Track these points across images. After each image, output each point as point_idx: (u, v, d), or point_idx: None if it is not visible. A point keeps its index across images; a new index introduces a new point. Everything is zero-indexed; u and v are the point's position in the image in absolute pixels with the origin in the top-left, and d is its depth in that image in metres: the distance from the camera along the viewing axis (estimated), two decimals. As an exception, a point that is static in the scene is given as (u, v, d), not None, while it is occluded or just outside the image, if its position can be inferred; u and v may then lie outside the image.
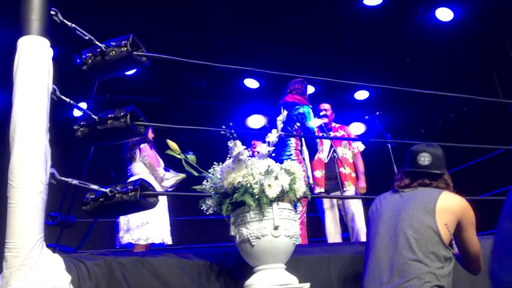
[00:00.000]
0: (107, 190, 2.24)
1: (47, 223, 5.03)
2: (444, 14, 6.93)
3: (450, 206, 2.05)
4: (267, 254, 1.83)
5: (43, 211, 1.86)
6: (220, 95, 7.90)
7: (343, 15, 6.91)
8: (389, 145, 4.07)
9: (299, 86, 4.43)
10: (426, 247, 1.96)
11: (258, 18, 6.74)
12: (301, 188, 1.90)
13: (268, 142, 2.01)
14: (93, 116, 2.42)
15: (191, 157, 1.97)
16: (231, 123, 1.84)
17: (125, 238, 3.67)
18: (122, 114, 2.41)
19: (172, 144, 2.00)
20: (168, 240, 3.80)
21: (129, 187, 2.26)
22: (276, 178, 1.83)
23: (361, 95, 8.49)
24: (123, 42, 2.49)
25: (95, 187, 2.23)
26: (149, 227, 3.65)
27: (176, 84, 7.63)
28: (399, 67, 7.83)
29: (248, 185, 1.82)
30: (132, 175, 3.85)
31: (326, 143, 4.45)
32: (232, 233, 1.92)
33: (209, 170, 1.97)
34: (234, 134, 1.79)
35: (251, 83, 7.76)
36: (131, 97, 7.62)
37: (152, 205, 2.32)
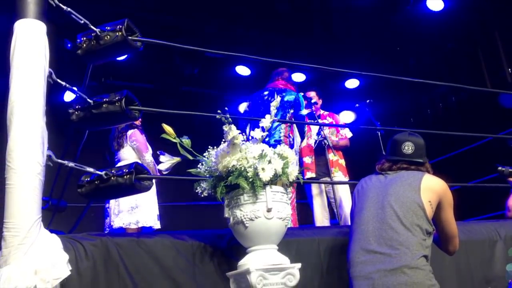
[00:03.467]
0: (103, 173, 2.28)
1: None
2: (435, 4, 6.98)
3: (433, 186, 2.18)
4: (260, 235, 1.89)
5: (41, 192, 1.90)
6: (211, 82, 7.91)
7: (334, 4, 6.93)
8: (379, 133, 4.14)
9: (287, 74, 4.47)
10: (412, 219, 2.08)
11: (249, 5, 6.74)
12: (293, 172, 1.96)
13: (262, 127, 2.06)
14: (88, 100, 2.44)
15: (186, 141, 2.01)
16: (226, 108, 1.88)
17: (116, 222, 3.71)
18: (117, 98, 2.44)
19: (167, 128, 2.04)
20: (156, 225, 3.83)
21: (124, 170, 2.30)
22: (269, 162, 1.88)
23: (352, 83, 8.54)
24: (118, 27, 2.51)
25: (90, 169, 2.26)
26: (139, 211, 3.70)
27: (167, 71, 7.62)
28: (389, 56, 7.89)
29: (242, 168, 1.87)
30: (119, 160, 3.88)
31: (314, 129, 4.50)
32: (226, 215, 1.97)
33: (204, 154, 2.01)
34: (229, 119, 1.83)
35: (243, 70, 7.77)
36: (122, 83, 7.60)
37: (147, 188, 2.36)
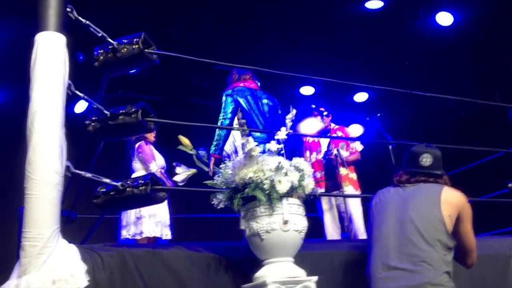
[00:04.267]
0: (118, 184, 2.30)
1: None
2: (444, 19, 7.00)
3: (452, 199, 2.16)
4: (277, 247, 1.89)
5: (59, 202, 1.92)
6: (220, 94, 7.93)
7: (343, 18, 6.96)
8: (390, 146, 4.14)
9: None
10: (433, 234, 2.06)
11: (255, 17, 6.77)
12: (309, 185, 1.97)
13: (278, 140, 2.07)
14: (105, 111, 2.47)
15: (203, 153, 2.03)
16: (244, 120, 1.90)
17: (123, 234, 3.76)
18: (133, 110, 2.47)
19: (183, 139, 2.06)
20: (168, 235, 3.85)
21: (140, 181, 2.31)
22: (286, 174, 1.89)
23: (360, 97, 8.55)
24: (134, 40, 2.55)
25: (107, 180, 2.28)
26: (143, 222, 3.73)
27: (176, 82, 7.67)
28: (398, 70, 7.90)
29: (259, 180, 1.88)
30: (133, 171, 3.97)
31: (324, 144, 4.50)
32: (242, 227, 1.98)
33: (221, 166, 2.03)
34: (247, 131, 1.85)
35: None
36: (132, 95, 7.68)
37: (162, 200, 2.38)
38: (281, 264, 1.90)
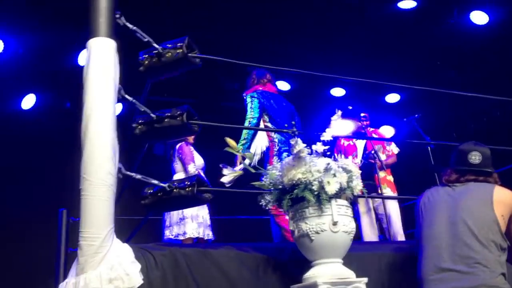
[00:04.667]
0: (166, 185, 2.35)
1: None
2: (479, 18, 6.89)
3: (505, 199, 2.13)
4: (326, 248, 1.91)
5: (113, 203, 1.97)
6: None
7: (377, 18, 6.91)
8: (429, 147, 4.10)
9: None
10: (487, 235, 2.04)
11: (287, 19, 6.78)
12: (358, 186, 1.97)
13: (323, 141, 2.08)
14: (151, 114, 2.53)
15: (249, 155, 2.06)
16: (293, 122, 1.92)
17: (166, 234, 3.84)
18: (178, 113, 2.52)
19: (230, 141, 2.10)
20: (209, 236, 3.92)
21: (186, 182, 2.36)
22: (334, 175, 1.91)
23: (392, 98, 8.48)
24: (178, 44, 2.60)
25: (155, 182, 2.33)
26: (186, 222, 3.80)
27: (208, 86, 7.73)
28: (431, 70, 7.81)
29: (308, 181, 1.90)
30: (174, 172, 4.05)
31: (360, 147, 4.47)
32: (291, 228, 2.00)
33: (268, 167, 2.05)
34: (296, 132, 1.87)
35: (283, 86, 7.83)
36: (164, 98, 7.79)
37: (207, 200, 2.42)
38: (330, 265, 1.92)
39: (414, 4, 6.71)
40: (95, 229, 1.87)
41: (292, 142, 1.93)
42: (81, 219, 1.91)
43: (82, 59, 6.70)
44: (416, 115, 4.43)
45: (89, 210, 1.90)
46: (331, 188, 1.88)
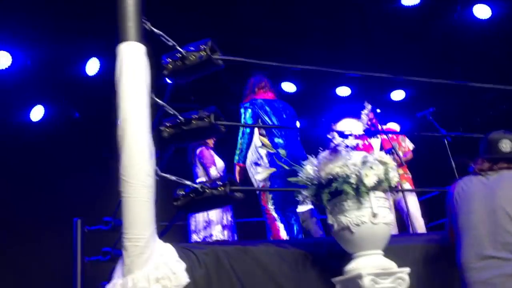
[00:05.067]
0: (198, 185, 2.37)
1: (101, 228, 5.22)
2: (482, 11, 6.93)
3: None
4: (367, 240, 1.93)
5: (153, 203, 1.99)
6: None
7: (380, 15, 6.96)
8: (446, 140, 4.12)
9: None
10: None
11: (292, 20, 6.81)
12: (395, 178, 2.00)
13: (355, 135, 2.11)
14: (179, 117, 2.55)
15: (282, 152, 2.08)
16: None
17: (194, 238, 3.86)
18: (206, 114, 2.55)
19: (264, 140, 2.12)
20: (230, 238, 3.94)
21: (218, 182, 2.39)
22: (371, 168, 1.93)
23: (397, 95, 8.50)
24: (201, 47, 2.63)
25: (188, 182, 2.36)
26: (212, 226, 3.82)
27: (215, 89, 7.75)
28: (434, 65, 7.84)
29: (345, 175, 1.92)
30: (197, 177, 4.07)
31: (376, 146, 4.48)
32: (330, 222, 2.02)
33: (303, 163, 2.08)
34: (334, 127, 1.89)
35: (289, 87, 7.87)
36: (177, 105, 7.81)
37: (239, 200, 2.45)
38: (372, 257, 1.94)
39: (417, 0, 6.76)
40: (138, 230, 1.89)
41: (330, 136, 1.95)
42: (124, 220, 1.93)
43: (89, 68, 6.75)
44: (430, 109, 4.45)
45: (131, 212, 1.92)
46: (370, 181, 1.91)
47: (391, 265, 1.94)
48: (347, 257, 2.06)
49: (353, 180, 1.92)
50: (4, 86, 6.52)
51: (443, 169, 4.37)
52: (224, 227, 3.87)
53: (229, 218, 3.98)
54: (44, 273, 6.33)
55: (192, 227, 3.93)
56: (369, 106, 2.08)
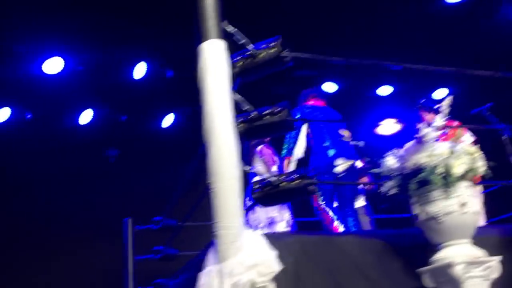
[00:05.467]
0: (274, 179, 2.42)
1: (152, 227, 5.32)
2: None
3: None
4: (455, 229, 1.95)
5: (241, 194, 2.05)
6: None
7: (425, 13, 6.91)
8: (505, 136, 4.06)
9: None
10: None
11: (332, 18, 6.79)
12: (481, 167, 2.01)
13: (435, 127, 2.13)
14: (252, 112, 2.61)
15: (331, 152, 2.12)
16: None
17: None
18: (278, 109, 2.59)
19: (345, 132, 2.16)
20: None
21: (294, 176, 2.43)
22: (459, 157, 1.95)
23: (440, 93, 8.39)
24: (272, 44, 2.68)
25: (264, 176, 2.41)
26: (276, 223, 3.88)
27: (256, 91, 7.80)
28: (478, 64, 7.71)
29: (433, 165, 1.94)
30: (255, 175, 4.10)
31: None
32: (416, 212, 2.04)
33: (387, 154, 2.11)
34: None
35: (330, 87, 7.88)
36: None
37: (313, 192, 2.49)
38: (462, 246, 1.96)
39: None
40: (230, 218, 1.95)
41: (419, 127, 1.98)
42: (215, 210, 1.99)
43: (137, 73, 6.92)
44: (489, 104, 4.38)
45: (222, 201, 1.98)
46: (458, 170, 1.93)
47: (480, 253, 1.95)
48: (430, 248, 2.07)
49: (440, 170, 1.93)
50: (55, 91, 6.75)
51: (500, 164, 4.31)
52: (287, 223, 3.92)
53: (289, 216, 4.03)
54: (94, 273, 6.49)
55: (253, 223, 3.98)
56: (450, 97, 2.09)
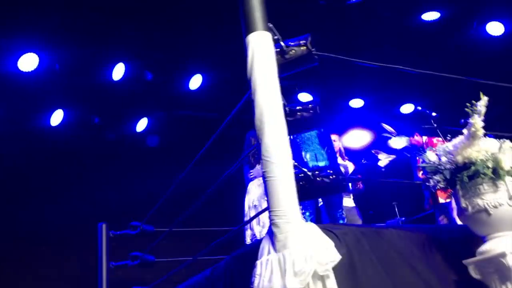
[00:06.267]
0: (310, 173, 2.42)
1: (129, 233, 5.18)
2: (495, 28, 7.20)
3: None
4: (504, 222, 2.03)
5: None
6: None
7: (403, 29, 7.15)
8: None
9: None
10: None
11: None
12: (523, 164, 2.11)
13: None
14: (285, 108, 2.61)
15: (403, 140, 2.17)
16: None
17: (263, 232, 3.86)
18: (311, 106, 2.62)
19: (388, 127, 2.21)
20: None
21: (329, 171, 2.45)
22: (506, 153, 2.04)
23: (407, 109, 8.66)
24: (302, 42, 2.70)
25: (304, 169, 2.41)
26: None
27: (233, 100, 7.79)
28: (450, 81, 8.04)
29: (484, 159, 2.02)
30: (255, 177, 4.06)
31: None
32: (463, 205, 2.10)
33: (438, 147, 2.17)
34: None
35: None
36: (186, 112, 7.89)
37: (345, 189, 2.52)
38: (508, 238, 2.03)
39: (437, 16, 7.00)
40: (286, 207, 1.94)
41: (472, 120, 2.05)
42: (270, 199, 1.98)
43: (116, 75, 6.75)
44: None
45: (278, 190, 1.97)
46: (506, 165, 2.01)
47: (527, 245, 2.04)
48: (469, 241, 2.14)
49: (490, 164, 2.01)
50: (29, 88, 6.48)
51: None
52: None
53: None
54: (68, 278, 6.23)
55: (260, 222, 3.94)
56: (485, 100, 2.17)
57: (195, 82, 7.25)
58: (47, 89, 6.66)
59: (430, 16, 7.04)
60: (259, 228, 3.93)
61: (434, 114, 4.53)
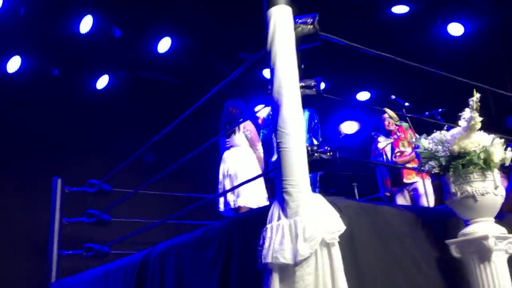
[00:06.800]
0: (307, 148, 2.53)
1: (86, 190, 5.15)
2: (456, 29, 7.54)
3: None
4: (488, 208, 2.25)
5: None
6: (241, 84, 8.08)
7: (372, 20, 7.33)
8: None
9: None
10: None
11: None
12: (510, 158, 2.33)
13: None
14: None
15: (405, 125, 2.33)
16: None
17: (238, 201, 3.95)
18: (313, 83, 2.71)
19: (391, 112, 2.35)
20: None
21: (326, 147, 2.57)
22: (497, 147, 2.25)
23: (363, 96, 8.95)
24: (309, 20, 2.77)
25: (315, 142, 2.53)
26: (250, 193, 3.96)
27: (201, 68, 7.74)
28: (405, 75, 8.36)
29: (477, 151, 2.22)
30: (231, 146, 4.13)
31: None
32: (453, 190, 2.30)
33: (434, 135, 2.34)
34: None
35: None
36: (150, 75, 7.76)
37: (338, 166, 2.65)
38: (490, 223, 2.25)
39: (406, 9, 7.23)
40: (299, 177, 2.06)
41: (472, 114, 2.23)
42: (284, 168, 2.08)
43: (83, 27, 6.52)
44: (441, 109, 4.79)
45: (292, 160, 2.08)
46: (496, 158, 2.22)
47: (503, 230, 2.27)
48: (450, 223, 2.35)
49: (482, 155, 2.21)
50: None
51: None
52: None
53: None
54: (21, 231, 6.06)
55: (234, 192, 4.02)
56: (477, 95, 2.35)
57: (164, 45, 7.14)
58: (7, 32, 6.34)
59: (400, 9, 7.26)
60: (233, 197, 4.02)
61: (406, 104, 4.73)
